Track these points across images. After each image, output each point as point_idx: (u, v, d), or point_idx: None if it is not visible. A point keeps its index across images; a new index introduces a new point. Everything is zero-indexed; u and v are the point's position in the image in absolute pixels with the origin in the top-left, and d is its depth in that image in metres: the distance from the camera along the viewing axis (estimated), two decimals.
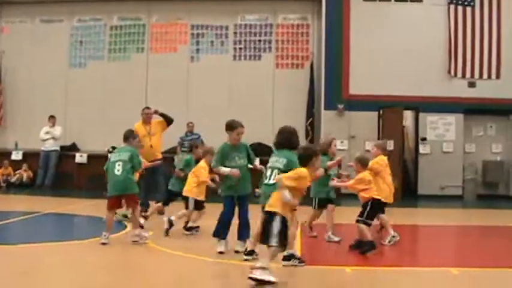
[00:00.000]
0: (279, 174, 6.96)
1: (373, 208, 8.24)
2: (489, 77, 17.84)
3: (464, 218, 13.85)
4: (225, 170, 7.96)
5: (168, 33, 18.78)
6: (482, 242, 9.50)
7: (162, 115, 12.28)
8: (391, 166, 16.28)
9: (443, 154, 17.49)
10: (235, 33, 18.73)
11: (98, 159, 17.29)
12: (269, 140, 16.72)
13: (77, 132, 18.49)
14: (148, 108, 12.31)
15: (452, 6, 17.86)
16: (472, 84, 17.87)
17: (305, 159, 6.67)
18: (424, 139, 17.71)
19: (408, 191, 17.17)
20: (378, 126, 17.72)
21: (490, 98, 17.60)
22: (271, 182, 7.08)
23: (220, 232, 7.95)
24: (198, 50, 18.75)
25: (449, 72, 17.81)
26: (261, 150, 17.22)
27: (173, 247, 8.29)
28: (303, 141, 17.28)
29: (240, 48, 18.69)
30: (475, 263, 7.64)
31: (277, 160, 7.27)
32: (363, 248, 7.95)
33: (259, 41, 18.67)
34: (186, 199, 9.59)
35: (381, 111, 17.75)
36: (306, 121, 18.04)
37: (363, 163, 8.49)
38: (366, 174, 8.41)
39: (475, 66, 17.83)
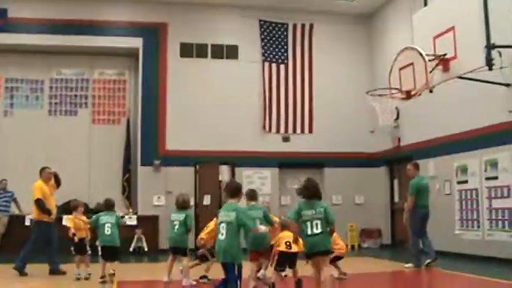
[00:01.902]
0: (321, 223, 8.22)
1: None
2: (302, 131, 20.57)
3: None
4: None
5: None
6: None
7: (56, 177, 13.40)
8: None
9: None
10: (51, 87, 20.31)
11: None
12: (85, 197, 19.12)
13: None
14: (49, 168, 13.34)
15: (266, 64, 20.47)
16: (286, 139, 20.50)
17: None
18: None
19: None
20: (194, 181, 19.78)
21: (304, 152, 20.30)
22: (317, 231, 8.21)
23: None
24: (12, 104, 20.13)
25: (264, 127, 20.34)
26: None
27: None
28: (119, 197, 19.89)
29: (56, 103, 20.28)
30: None
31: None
32: None
33: (76, 96, 20.40)
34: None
35: (197, 167, 19.86)
36: (123, 177, 19.92)
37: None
38: None
39: (289, 121, 20.46)
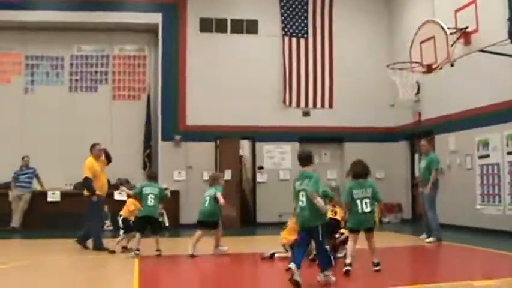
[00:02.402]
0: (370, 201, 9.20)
1: None
2: (322, 106, 20.57)
3: None
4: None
5: (0, 63, 20.11)
6: None
7: (107, 154, 13.62)
8: (229, 195, 19.21)
9: (280, 182, 19.74)
10: (71, 64, 20.35)
11: None
12: (106, 172, 19.30)
13: None
14: (99, 144, 13.51)
15: (286, 38, 20.41)
16: (306, 114, 20.53)
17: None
18: (261, 168, 20.08)
19: (247, 220, 19.86)
20: (215, 156, 19.84)
21: (324, 127, 20.33)
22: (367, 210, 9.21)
23: None
24: (32, 81, 20.19)
25: (284, 102, 20.35)
26: None
27: None
28: (140, 173, 19.92)
29: (76, 80, 20.33)
30: None
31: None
32: None
33: (96, 72, 20.44)
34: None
35: (218, 142, 19.89)
36: (144, 152, 20.07)
37: None
38: None
39: (309, 96, 20.47)
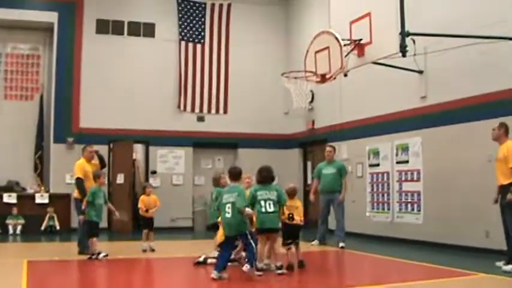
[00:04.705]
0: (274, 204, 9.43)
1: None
2: (217, 111, 20.32)
3: (194, 248, 15.56)
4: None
5: None
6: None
7: (100, 157, 13.07)
8: (122, 199, 18.60)
9: (173, 187, 19.50)
10: None
11: None
12: None
13: None
14: (90, 146, 12.91)
15: (183, 43, 19.99)
16: (201, 119, 20.22)
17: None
18: (154, 172, 19.62)
19: (139, 225, 19.31)
20: (108, 159, 18.81)
21: (218, 132, 20.09)
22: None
23: None
24: None
25: (179, 106, 19.95)
26: None
27: None
28: (31, 175, 18.98)
29: None
30: None
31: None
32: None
33: None
34: None
35: (111, 145, 19.28)
36: (35, 154, 19.04)
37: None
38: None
39: (204, 101, 20.14)
